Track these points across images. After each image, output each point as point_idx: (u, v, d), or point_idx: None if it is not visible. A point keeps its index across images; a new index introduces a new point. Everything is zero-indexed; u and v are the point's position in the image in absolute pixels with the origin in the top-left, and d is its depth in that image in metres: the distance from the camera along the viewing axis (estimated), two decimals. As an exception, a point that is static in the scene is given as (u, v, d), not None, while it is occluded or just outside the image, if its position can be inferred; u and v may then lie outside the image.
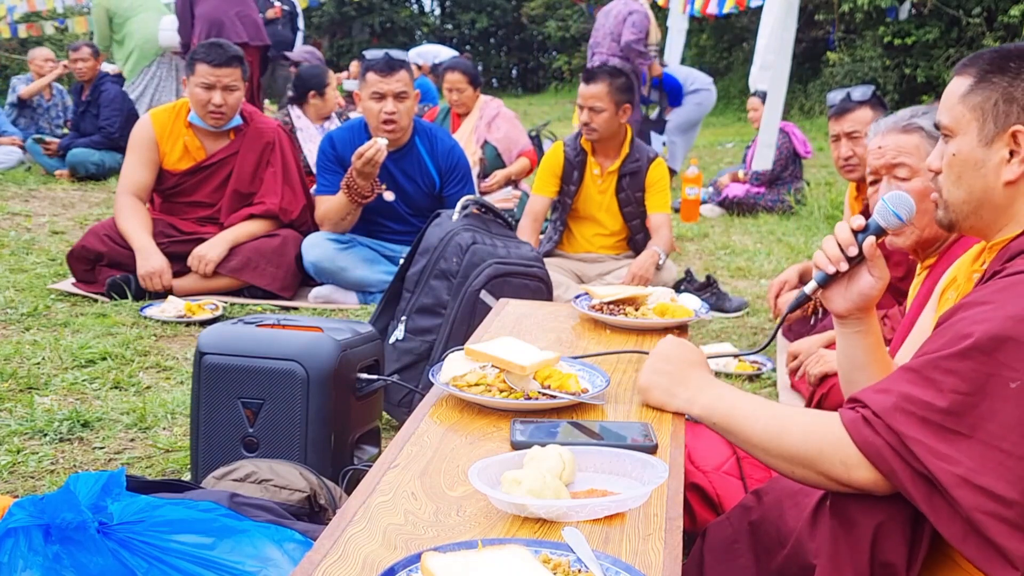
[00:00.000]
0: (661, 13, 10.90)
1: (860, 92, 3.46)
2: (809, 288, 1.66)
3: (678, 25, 10.31)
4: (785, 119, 7.54)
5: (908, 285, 2.55)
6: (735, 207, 7.18)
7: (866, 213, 1.71)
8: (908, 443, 1.30)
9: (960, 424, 1.29)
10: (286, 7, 8.22)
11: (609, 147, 4.48)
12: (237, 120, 4.53)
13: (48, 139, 7.79)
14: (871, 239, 1.59)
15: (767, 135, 6.90)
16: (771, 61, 7.10)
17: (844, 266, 1.61)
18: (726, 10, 9.94)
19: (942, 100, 1.56)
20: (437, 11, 26.49)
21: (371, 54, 4.37)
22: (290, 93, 6.29)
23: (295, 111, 6.14)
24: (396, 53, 4.35)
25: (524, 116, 16.67)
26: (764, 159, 7.01)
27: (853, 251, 1.60)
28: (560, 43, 22.58)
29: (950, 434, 1.29)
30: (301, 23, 9.09)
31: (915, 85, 12.58)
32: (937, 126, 1.57)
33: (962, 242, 2.20)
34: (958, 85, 1.53)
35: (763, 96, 7.19)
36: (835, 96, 3.50)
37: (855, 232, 1.61)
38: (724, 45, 17.22)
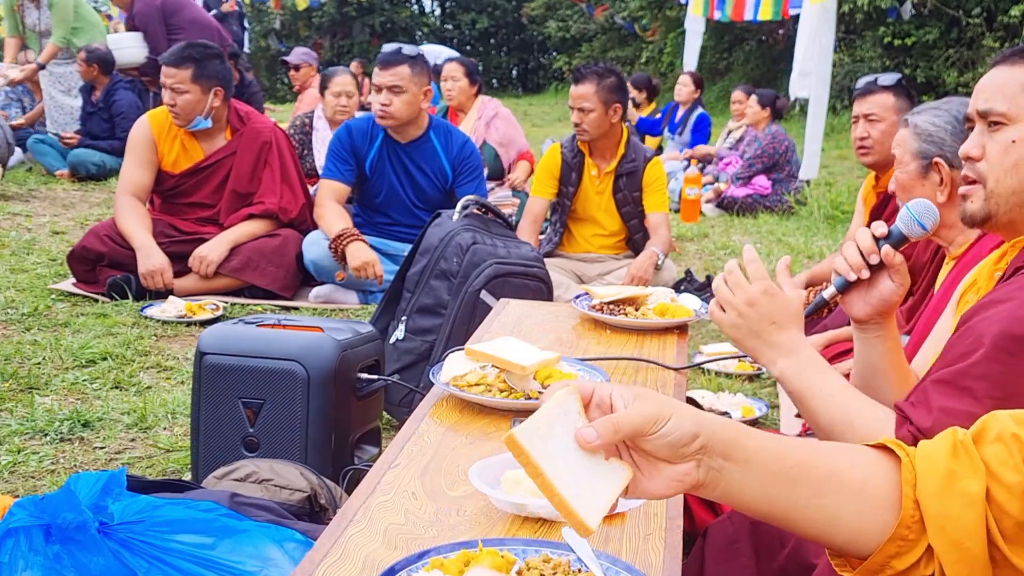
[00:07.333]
0: (665, 17, 10.90)
1: (887, 78, 3.54)
2: (828, 293, 1.63)
3: (694, 27, 10.35)
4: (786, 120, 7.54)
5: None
6: (735, 207, 7.18)
7: (883, 204, 1.67)
8: None
9: None
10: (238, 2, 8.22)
11: (605, 147, 4.48)
12: (205, 123, 4.48)
13: (68, 134, 7.64)
14: (890, 247, 1.55)
15: (812, 143, 6.89)
16: (810, 68, 7.07)
17: (865, 273, 1.57)
18: (767, 17, 9.79)
19: (991, 88, 1.50)
20: (437, 11, 26.51)
21: (385, 47, 4.46)
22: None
23: (319, 111, 6.04)
24: (407, 48, 4.43)
25: (524, 116, 16.67)
26: (811, 168, 6.99)
27: (875, 259, 1.56)
28: (560, 43, 22.58)
29: None
30: (246, 22, 9.10)
31: (915, 85, 12.58)
32: (984, 114, 1.51)
33: (990, 236, 2.18)
34: (1020, 74, 1.48)
35: (804, 102, 7.20)
36: (863, 80, 3.59)
37: (876, 239, 1.57)
38: (724, 46, 17.23)
